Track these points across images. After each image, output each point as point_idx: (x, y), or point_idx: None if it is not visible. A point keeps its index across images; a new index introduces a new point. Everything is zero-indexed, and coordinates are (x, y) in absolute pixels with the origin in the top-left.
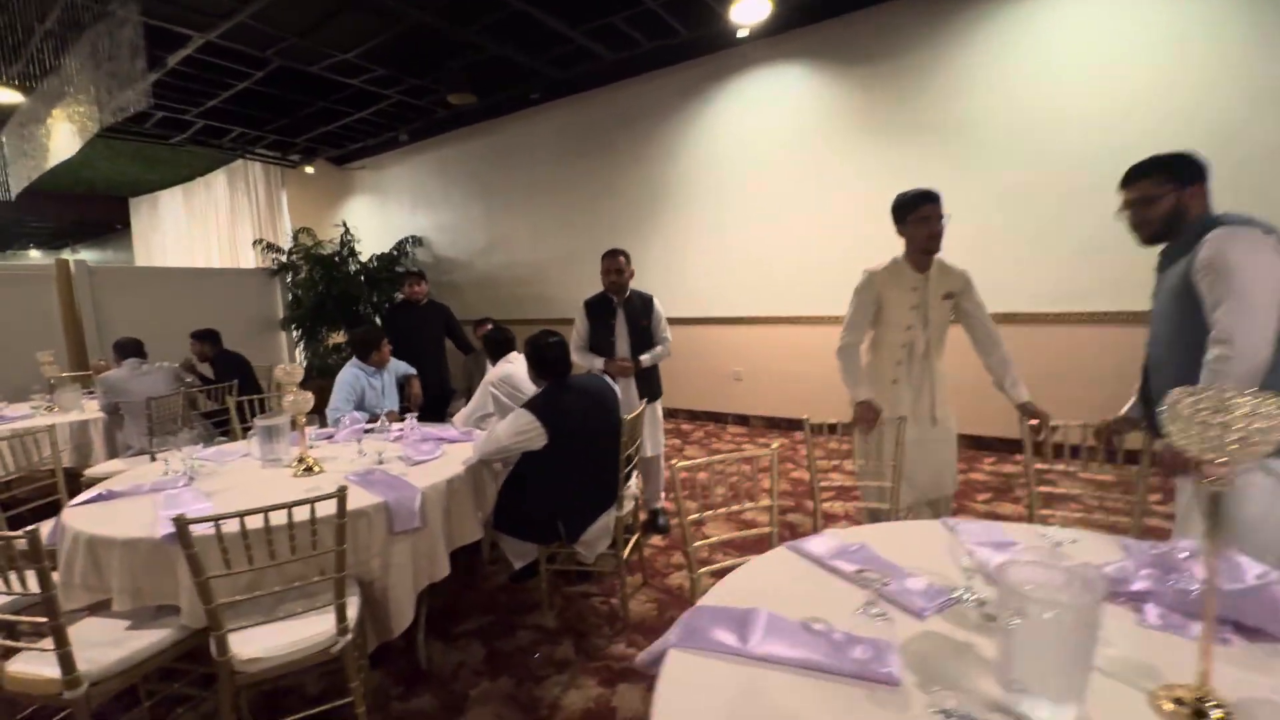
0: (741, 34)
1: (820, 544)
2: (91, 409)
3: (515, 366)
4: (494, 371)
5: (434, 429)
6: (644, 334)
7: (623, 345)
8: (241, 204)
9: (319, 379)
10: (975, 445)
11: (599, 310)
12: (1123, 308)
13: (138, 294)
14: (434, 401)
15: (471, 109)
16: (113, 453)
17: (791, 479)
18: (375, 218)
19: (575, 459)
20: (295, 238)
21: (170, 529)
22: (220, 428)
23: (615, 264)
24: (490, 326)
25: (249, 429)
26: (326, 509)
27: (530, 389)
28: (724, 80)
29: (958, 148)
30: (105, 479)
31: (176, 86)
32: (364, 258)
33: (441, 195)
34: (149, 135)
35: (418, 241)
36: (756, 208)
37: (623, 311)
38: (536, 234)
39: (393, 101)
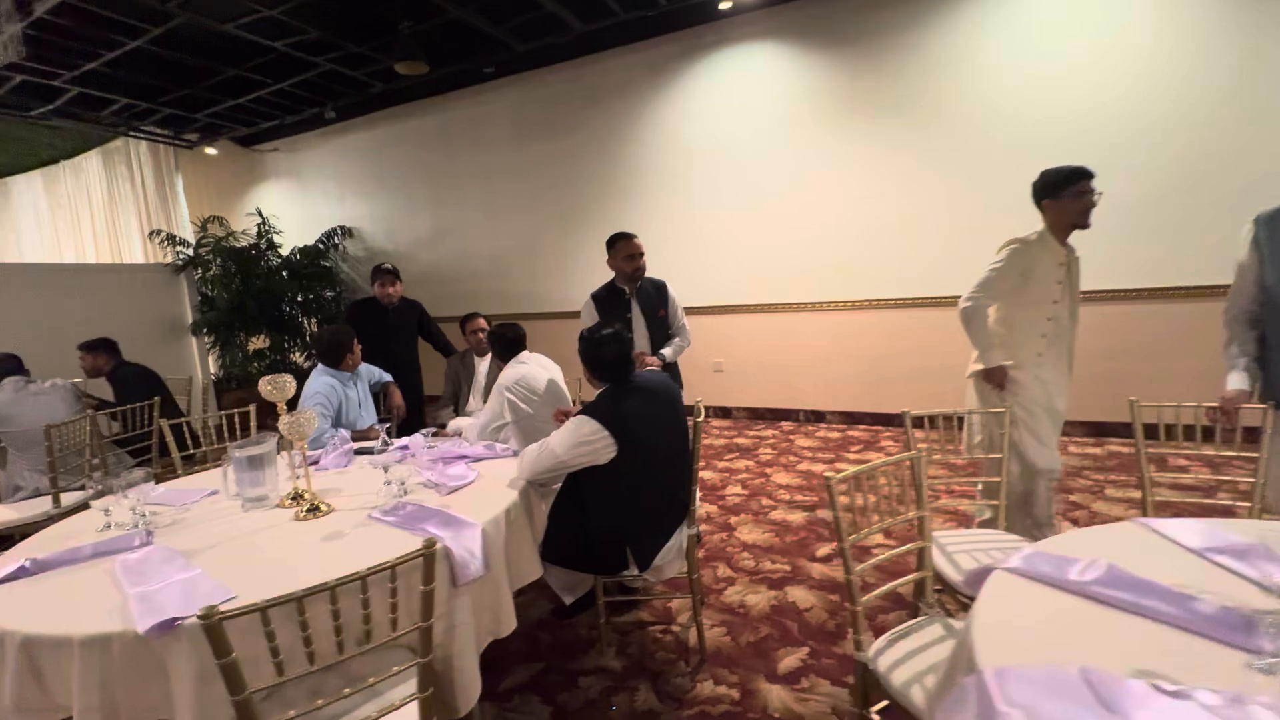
0: (724, 6)
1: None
2: None
3: (530, 367)
4: (507, 374)
5: (449, 445)
6: (661, 326)
7: (641, 340)
8: (123, 191)
9: (238, 391)
10: None
11: (610, 303)
12: (1116, 286)
13: None
14: (410, 411)
15: (412, 83)
16: None
17: (799, 471)
18: (294, 206)
19: (646, 471)
20: (204, 227)
21: (157, 618)
22: (137, 459)
23: (635, 247)
24: (481, 321)
25: (191, 457)
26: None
27: (545, 390)
28: (697, 58)
29: (940, 130)
30: None
31: (46, 44)
32: (284, 251)
33: (375, 180)
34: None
35: (347, 232)
36: (732, 192)
37: (637, 302)
38: (492, 223)
39: (322, 71)
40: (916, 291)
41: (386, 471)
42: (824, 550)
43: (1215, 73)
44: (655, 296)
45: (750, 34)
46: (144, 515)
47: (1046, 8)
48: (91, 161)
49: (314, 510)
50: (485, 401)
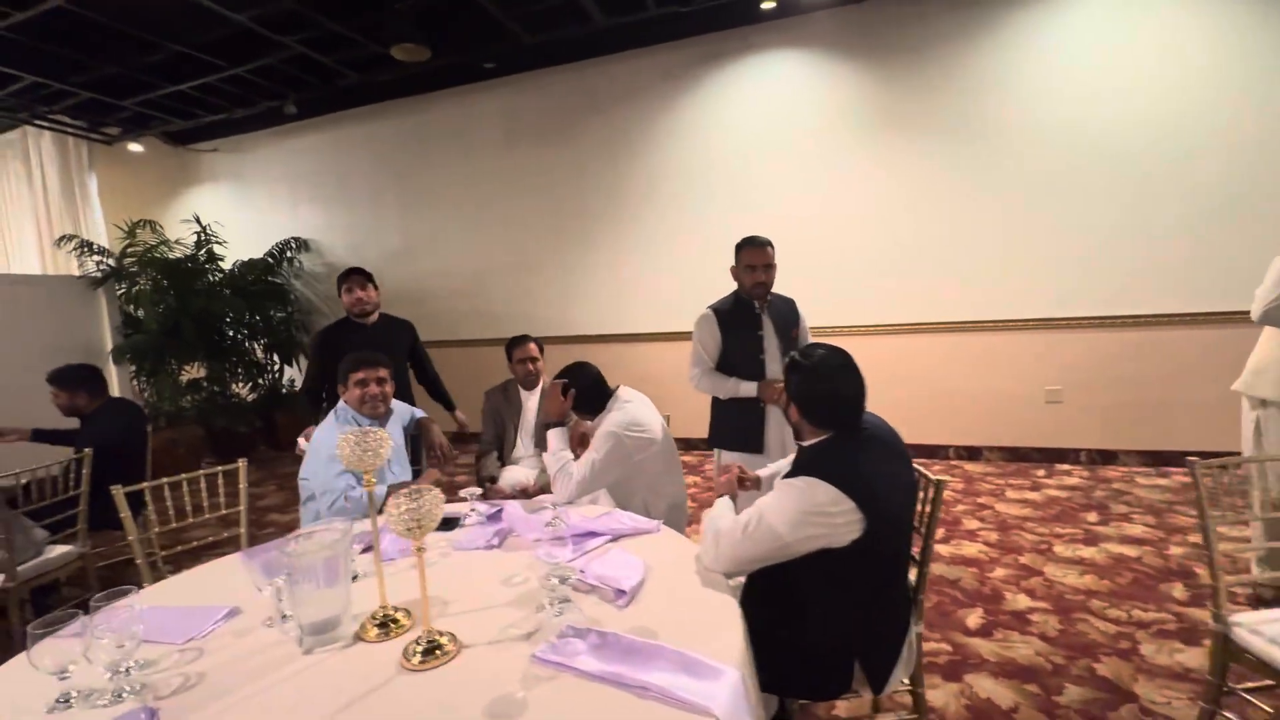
0: (767, 5)
1: None
2: None
3: (637, 405)
4: (615, 417)
5: (582, 517)
6: (791, 347)
7: (773, 364)
8: (18, 191)
9: (167, 430)
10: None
11: (738, 319)
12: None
13: None
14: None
15: (391, 78)
16: None
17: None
18: (237, 215)
19: (890, 555)
20: (132, 233)
21: None
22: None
23: (766, 255)
24: (533, 348)
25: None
26: None
27: (662, 436)
28: (720, 66)
29: (981, 148)
30: None
31: None
32: (225, 264)
33: (337, 187)
34: None
35: (302, 245)
36: (756, 210)
37: (768, 318)
38: (476, 237)
39: (289, 55)
40: (967, 315)
41: (552, 573)
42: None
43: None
44: (788, 314)
45: (780, 41)
46: (127, 670)
47: (1101, 22)
48: None
49: (433, 652)
50: (536, 445)
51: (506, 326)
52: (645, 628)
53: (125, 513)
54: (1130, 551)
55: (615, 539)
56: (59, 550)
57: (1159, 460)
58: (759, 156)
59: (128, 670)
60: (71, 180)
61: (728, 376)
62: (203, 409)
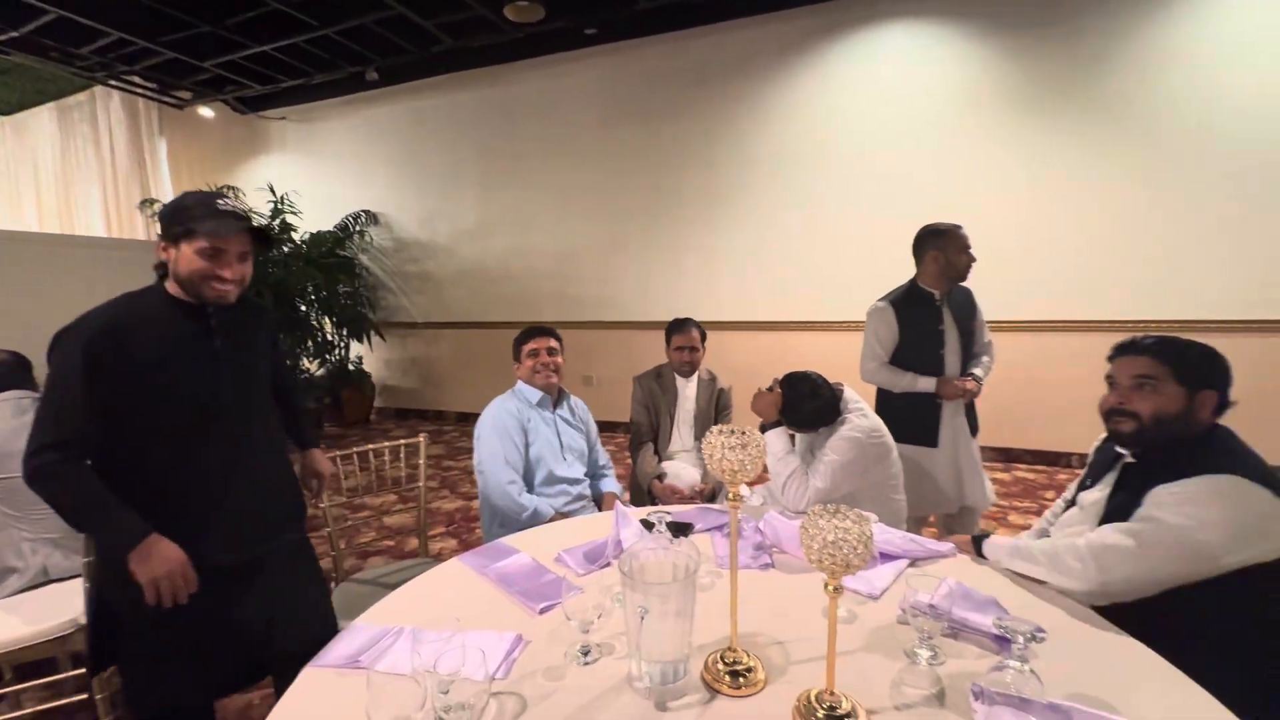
0: None
1: None
2: None
3: (867, 408)
4: (860, 424)
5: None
6: (970, 342)
7: (953, 358)
8: (84, 154)
9: None
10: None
11: (917, 311)
12: None
13: None
14: None
15: (482, 45)
16: None
17: None
18: (305, 184)
19: None
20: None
21: None
22: None
23: (961, 240)
24: (696, 335)
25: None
26: None
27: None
28: (839, 36)
29: (1138, 134)
30: None
31: None
32: (297, 236)
33: (411, 160)
34: None
35: (372, 218)
36: (872, 195)
37: (949, 310)
38: (560, 216)
39: (387, 16)
40: (1117, 314)
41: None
42: None
43: None
44: (966, 306)
45: (909, 10)
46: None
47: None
48: (40, 118)
49: None
50: (696, 438)
51: (589, 310)
52: (1083, 694)
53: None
54: None
55: (913, 562)
56: None
57: None
58: (875, 138)
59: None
60: (141, 144)
61: (904, 371)
62: None
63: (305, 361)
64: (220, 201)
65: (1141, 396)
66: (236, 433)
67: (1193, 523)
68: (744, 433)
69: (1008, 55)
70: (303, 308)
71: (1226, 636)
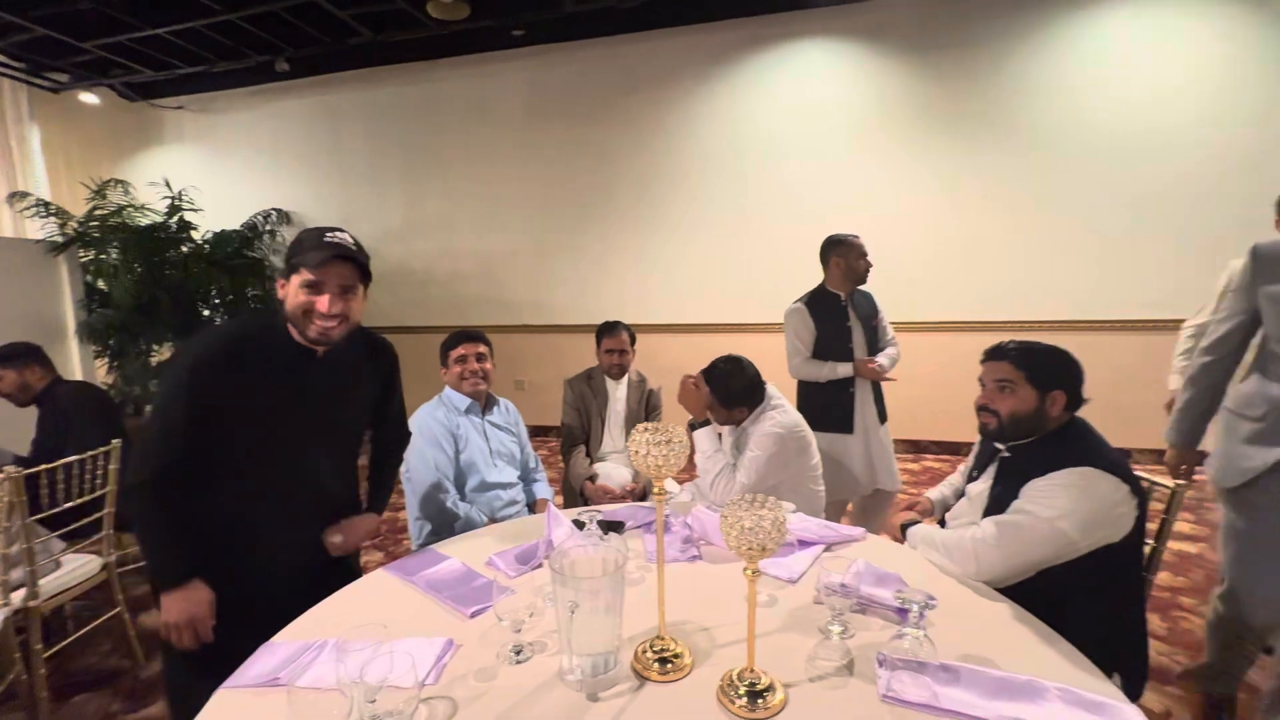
0: None
1: None
2: None
3: (787, 404)
4: (780, 419)
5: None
6: (874, 337)
7: (860, 352)
8: None
9: (135, 418)
10: None
11: (827, 309)
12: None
13: None
14: None
15: (405, 40)
16: None
17: None
18: (206, 180)
19: (1139, 549)
20: (101, 194)
21: None
22: (77, 538)
23: (859, 248)
24: (625, 337)
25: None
26: None
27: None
28: (761, 50)
29: (1025, 150)
30: None
31: None
32: (197, 235)
33: (327, 157)
34: None
35: (284, 217)
36: (788, 200)
37: (853, 309)
38: (488, 217)
39: (300, 3)
40: (1007, 315)
41: (828, 592)
42: None
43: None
44: (869, 305)
45: (828, 30)
46: None
47: (1136, 33)
48: None
49: (762, 695)
50: (627, 437)
51: (520, 313)
52: (973, 655)
53: None
54: (1190, 549)
55: (828, 547)
56: (80, 561)
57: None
58: (798, 147)
59: None
60: (7, 132)
61: (825, 362)
62: None
63: None
64: (329, 235)
65: (1001, 398)
66: (295, 480)
67: (1054, 513)
68: (668, 429)
69: (913, 74)
70: (206, 312)
71: (1087, 599)
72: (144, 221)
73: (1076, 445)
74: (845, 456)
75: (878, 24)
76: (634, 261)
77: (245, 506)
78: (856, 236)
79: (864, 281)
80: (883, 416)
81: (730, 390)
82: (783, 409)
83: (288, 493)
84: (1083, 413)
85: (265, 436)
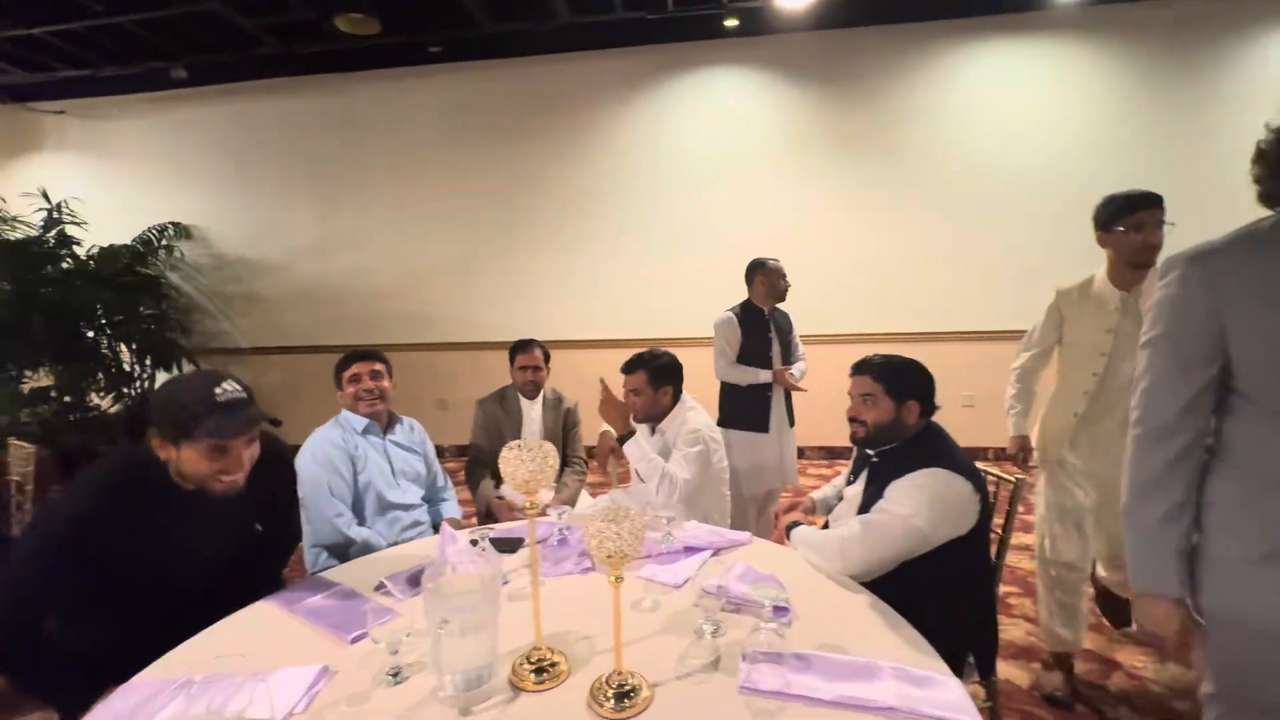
0: (730, 23)
1: None
2: None
3: (700, 407)
4: (700, 419)
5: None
6: (788, 349)
7: (777, 362)
8: None
9: None
10: None
11: (753, 321)
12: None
13: None
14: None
15: (315, 52)
16: None
17: None
18: (93, 191)
19: (985, 542)
20: None
21: None
22: None
23: (779, 270)
24: (539, 354)
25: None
26: None
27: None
28: (678, 76)
29: (921, 172)
30: None
31: None
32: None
33: (234, 168)
34: None
35: (183, 232)
36: (704, 221)
37: (774, 323)
38: (405, 233)
39: (201, 10)
40: (912, 327)
41: (704, 594)
42: None
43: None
44: (785, 322)
45: (740, 59)
46: None
47: (1003, 70)
48: None
49: (628, 695)
50: None
51: (441, 330)
52: (830, 644)
53: None
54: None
55: (715, 552)
56: None
57: None
58: (712, 169)
59: None
60: None
61: (747, 367)
62: (50, 424)
63: (95, 397)
64: (219, 390)
65: (866, 409)
66: (188, 587)
67: (909, 511)
68: (539, 446)
69: (816, 102)
70: (90, 333)
71: (942, 587)
72: (15, 235)
73: (928, 449)
74: (762, 451)
75: (779, 55)
76: (558, 277)
77: (132, 618)
78: (777, 260)
79: (784, 299)
80: (791, 420)
81: (656, 367)
82: (697, 411)
83: (181, 595)
84: (983, 412)
85: (156, 574)
